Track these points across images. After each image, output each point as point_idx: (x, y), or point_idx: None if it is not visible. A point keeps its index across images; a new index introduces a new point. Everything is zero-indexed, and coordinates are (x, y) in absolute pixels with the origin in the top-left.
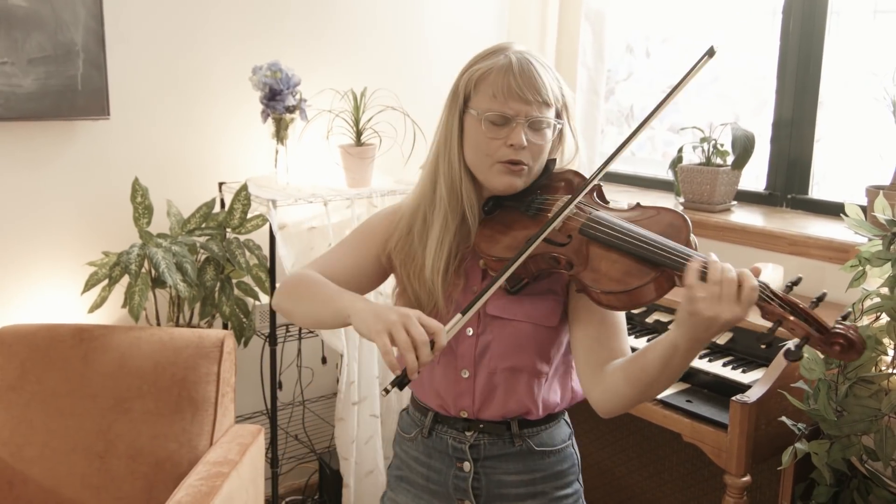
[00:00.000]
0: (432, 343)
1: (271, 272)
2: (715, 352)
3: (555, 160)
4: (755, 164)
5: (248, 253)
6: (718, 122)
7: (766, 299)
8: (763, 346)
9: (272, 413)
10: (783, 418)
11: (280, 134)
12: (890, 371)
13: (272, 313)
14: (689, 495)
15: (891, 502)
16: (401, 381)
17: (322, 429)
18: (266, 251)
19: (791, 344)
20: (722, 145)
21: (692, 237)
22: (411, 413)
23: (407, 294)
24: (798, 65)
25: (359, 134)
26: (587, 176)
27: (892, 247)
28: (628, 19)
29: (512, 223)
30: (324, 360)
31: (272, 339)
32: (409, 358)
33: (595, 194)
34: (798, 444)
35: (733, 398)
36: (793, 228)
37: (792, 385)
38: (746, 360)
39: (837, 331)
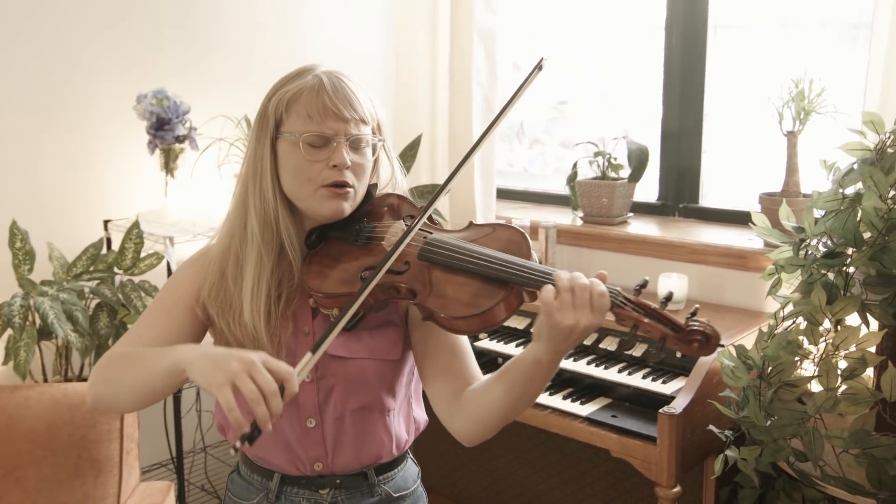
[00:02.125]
0: (282, 389)
1: None
2: (632, 364)
3: (376, 185)
4: (646, 176)
5: (143, 295)
6: (609, 136)
7: (619, 305)
8: (625, 352)
9: (178, 465)
10: (711, 427)
11: (169, 165)
12: (812, 374)
13: None
14: None
15: (819, 500)
16: (250, 436)
17: (225, 473)
18: None
19: (627, 336)
20: (615, 159)
21: (532, 251)
22: (247, 476)
23: (229, 346)
24: (682, 78)
25: None
26: (408, 198)
27: (800, 252)
28: (515, 37)
29: (340, 255)
30: None
31: None
32: (258, 411)
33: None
34: (728, 452)
35: (660, 411)
36: (689, 237)
37: (720, 394)
38: (664, 371)
39: (693, 328)
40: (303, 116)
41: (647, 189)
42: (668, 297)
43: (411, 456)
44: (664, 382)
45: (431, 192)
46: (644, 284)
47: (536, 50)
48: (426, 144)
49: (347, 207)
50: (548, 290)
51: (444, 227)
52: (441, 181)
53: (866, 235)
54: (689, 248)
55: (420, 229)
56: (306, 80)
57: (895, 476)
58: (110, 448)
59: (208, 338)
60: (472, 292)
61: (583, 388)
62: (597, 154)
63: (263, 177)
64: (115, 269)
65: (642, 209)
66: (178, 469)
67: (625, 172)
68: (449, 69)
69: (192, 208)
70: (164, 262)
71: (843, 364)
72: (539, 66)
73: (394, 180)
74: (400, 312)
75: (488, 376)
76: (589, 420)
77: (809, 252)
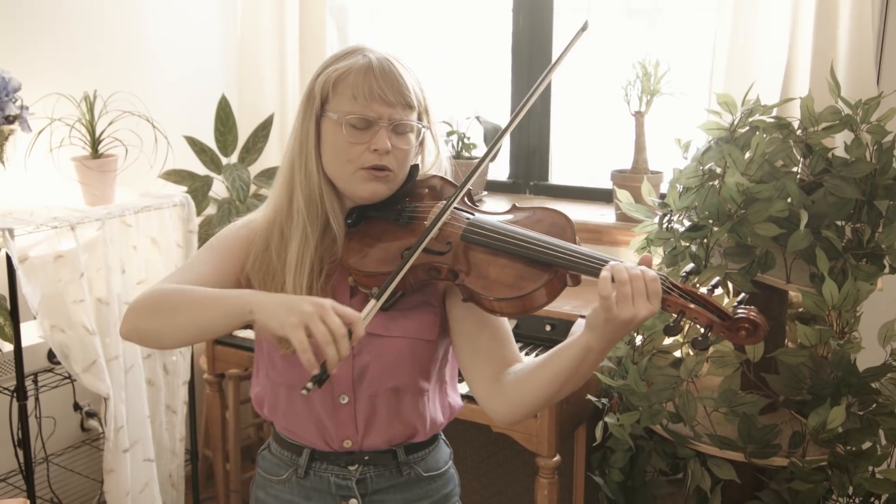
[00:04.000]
0: (349, 334)
1: (13, 315)
2: None
3: (417, 166)
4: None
5: None
6: (458, 115)
7: (667, 290)
8: (673, 339)
9: (28, 477)
10: (590, 397)
11: None
12: (682, 340)
13: (18, 363)
14: (486, 480)
15: (690, 457)
16: (320, 378)
17: (73, 483)
18: (4, 290)
19: (697, 335)
20: (469, 138)
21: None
22: (277, 453)
23: None
24: (531, 59)
25: (95, 144)
26: (451, 180)
27: (664, 226)
28: (361, 15)
29: (381, 235)
30: (76, 407)
31: (20, 393)
32: (329, 352)
33: (466, 199)
34: (608, 419)
35: None
36: None
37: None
38: (534, 344)
39: (741, 315)
40: (348, 97)
41: (497, 167)
42: (692, 272)
43: (443, 437)
44: (536, 355)
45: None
46: (692, 272)
47: (384, 28)
48: (277, 124)
49: (385, 190)
50: (606, 281)
51: (486, 210)
52: None
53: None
54: None
55: (463, 211)
56: (356, 61)
57: (762, 429)
58: None
59: None
60: (515, 274)
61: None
62: (450, 133)
63: (308, 154)
64: None
65: (494, 187)
66: (28, 481)
67: (478, 151)
68: (299, 47)
69: (26, 197)
70: (2, 255)
71: None
72: (584, 28)
73: (439, 162)
74: (437, 294)
75: (532, 361)
76: (468, 398)
77: (672, 226)
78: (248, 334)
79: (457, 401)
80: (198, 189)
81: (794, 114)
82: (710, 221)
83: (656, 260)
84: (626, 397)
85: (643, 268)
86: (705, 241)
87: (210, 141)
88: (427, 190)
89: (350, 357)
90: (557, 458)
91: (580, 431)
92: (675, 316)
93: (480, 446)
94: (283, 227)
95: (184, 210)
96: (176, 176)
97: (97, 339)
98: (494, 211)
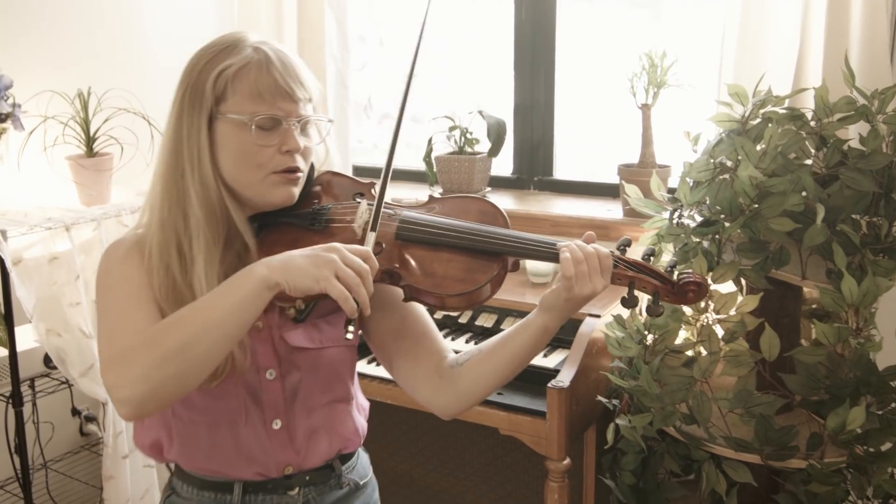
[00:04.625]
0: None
1: (7, 318)
2: None
3: (313, 164)
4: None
5: None
6: (460, 110)
7: (615, 264)
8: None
9: (25, 484)
10: (600, 398)
11: None
12: (695, 339)
13: (13, 368)
14: (494, 483)
15: (704, 459)
16: (361, 316)
17: (72, 490)
18: None
19: (650, 302)
20: (472, 133)
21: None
22: (193, 496)
23: None
24: (533, 51)
25: (90, 142)
26: (347, 174)
27: (674, 222)
28: (358, 9)
29: (296, 242)
30: (74, 412)
31: (16, 399)
32: (361, 293)
33: (374, 193)
34: (619, 421)
35: (549, 385)
36: (549, 210)
37: (611, 364)
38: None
39: (686, 279)
40: (251, 96)
41: (501, 162)
42: (627, 244)
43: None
44: (545, 356)
45: None
46: (628, 243)
47: (381, 22)
48: None
49: (297, 193)
50: (568, 262)
51: (407, 204)
52: None
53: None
54: (553, 221)
55: (387, 208)
56: (249, 55)
57: (779, 431)
58: None
59: None
60: (463, 268)
61: None
62: (452, 128)
63: (202, 161)
64: None
65: (498, 183)
66: (25, 488)
67: (480, 146)
68: (298, 41)
69: (21, 197)
70: None
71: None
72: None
73: (329, 158)
74: None
75: (481, 348)
76: None
77: (682, 221)
78: None
79: (364, 401)
80: None
81: (806, 105)
82: (723, 216)
83: (666, 256)
84: (638, 398)
85: (595, 245)
86: (717, 236)
87: None
88: (320, 188)
89: (279, 377)
90: (567, 461)
91: (589, 433)
92: (626, 288)
93: (487, 448)
94: (182, 246)
95: None
96: None
97: (94, 343)
98: (413, 205)
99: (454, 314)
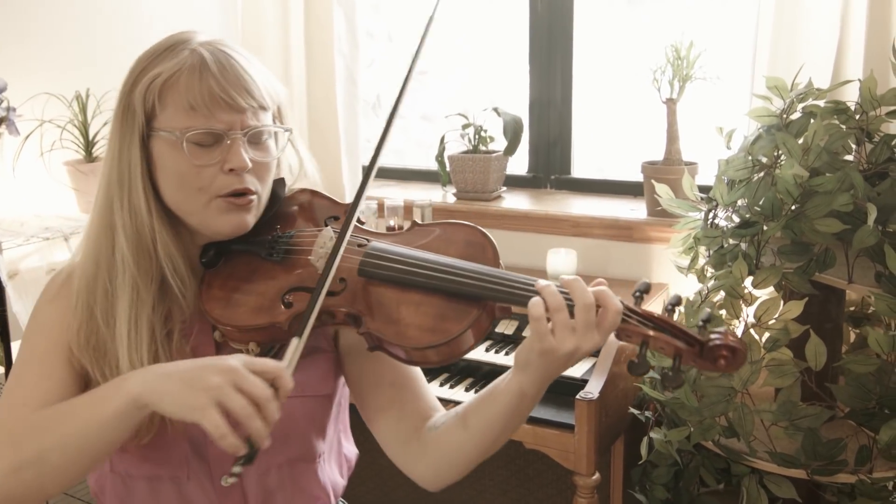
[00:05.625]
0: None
1: (3, 335)
2: None
3: (283, 180)
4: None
5: None
6: (473, 107)
7: (625, 318)
8: (636, 376)
9: None
10: (633, 410)
11: None
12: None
13: None
14: (515, 496)
15: (744, 474)
16: (250, 457)
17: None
18: None
19: (668, 369)
20: (486, 131)
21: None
22: None
23: None
24: (550, 45)
25: (89, 146)
26: (326, 193)
27: (709, 222)
28: (366, 4)
29: (251, 275)
30: None
31: None
32: (254, 427)
33: (356, 221)
34: (654, 434)
35: (578, 396)
36: (569, 210)
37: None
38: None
39: (716, 342)
40: (182, 108)
41: (515, 161)
42: (645, 290)
43: (342, 498)
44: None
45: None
46: (646, 290)
47: (391, 18)
48: None
49: (251, 220)
50: (536, 306)
51: (379, 232)
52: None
53: None
54: (573, 222)
55: (355, 236)
56: (182, 59)
57: (826, 444)
58: None
59: None
60: (434, 314)
61: (482, 376)
62: (466, 126)
63: (133, 187)
64: None
65: (513, 182)
66: None
67: (495, 145)
68: (305, 38)
69: (17, 206)
70: None
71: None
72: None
73: (303, 172)
74: (327, 335)
75: (454, 411)
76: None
77: (717, 222)
78: None
79: (352, 450)
80: None
81: (847, 98)
82: (763, 217)
83: (700, 260)
84: (673, 410)
85: (602, 289)
86: (756, 238)
87: None
88: (296, 208)
89: None
90: (597, 476)
91: (617, 444)
92: (638, 347)
93: (509, 460)
94: (107, 285)
95: None
96: None
97: None
98: (391, 233)
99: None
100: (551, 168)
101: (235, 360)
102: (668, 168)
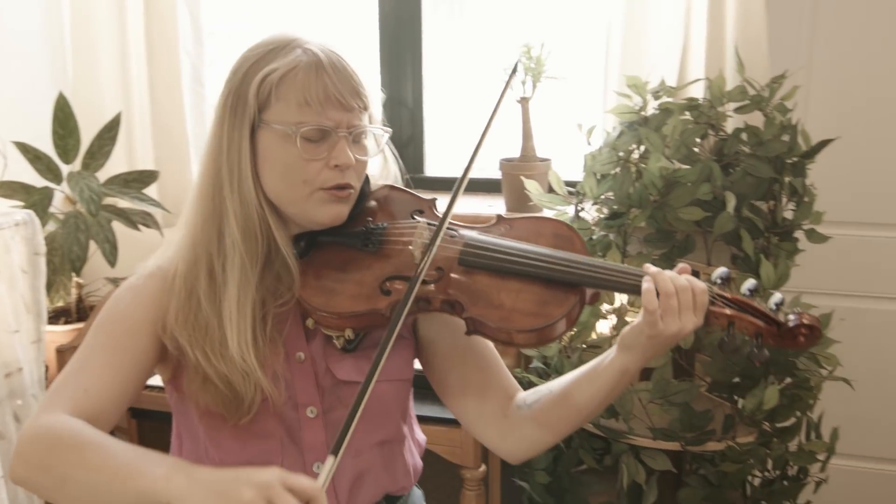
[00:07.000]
0: None
1: None
2: None
3: (368, 178)
4: None
5: None
6: None
7: (713, 300)
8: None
9: None
10: None
11: None
12: (610, 334)
13: None
14: None
15: (624, 451)
16: None
17: None
18: None
19: (753, 347)
20: None
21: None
22: None
23: (210, 383)
24: (399, 46)
25: None
26: (407, 189)
27: (578, 214)
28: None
29: (346, 265)
30: None
31: None
32: None
33: (435, 211)
34: None
35: None
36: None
37: (531, 366)
38: None
39: (794, 322)
40: (296, 103)
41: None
42: (754, 288)
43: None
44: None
45: (138, 181)
46: (726, 276)
47: (234, 16)
48: (124, 125)
49: (347, 212)
50: (650, 294)
51: (471, 225)
52: (145, 165)
53: None
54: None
55: (450, 228)
56: (297, 57)
57: (699, 416)
58: None
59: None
60: (536, 300)
61: None
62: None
63: (243, 175)
64: None
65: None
66: None
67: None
68: (146, 38)
69: None
70: None
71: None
72: (514, 71)
73: (386, 170)
74: (407, 323)
75: (547, 388)
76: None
77: (581, 215)
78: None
79: (421, 436)
80: (37, 204)
81: (693, 96)
82: (629, 208)
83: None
84: None
85: (689, 277)
86: (623, 228)
87: (48, 147)
88: (388, 204)
89: (320, 414)
90: (483, 467)
91: None
92: (724, 329)
93: None
94: (213, 267)
95: (27, 229)
96: (7, 189)
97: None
98: (478, 225)
99: None
100: (406, 167)
101: (271, 476)
102: (525, 164)
